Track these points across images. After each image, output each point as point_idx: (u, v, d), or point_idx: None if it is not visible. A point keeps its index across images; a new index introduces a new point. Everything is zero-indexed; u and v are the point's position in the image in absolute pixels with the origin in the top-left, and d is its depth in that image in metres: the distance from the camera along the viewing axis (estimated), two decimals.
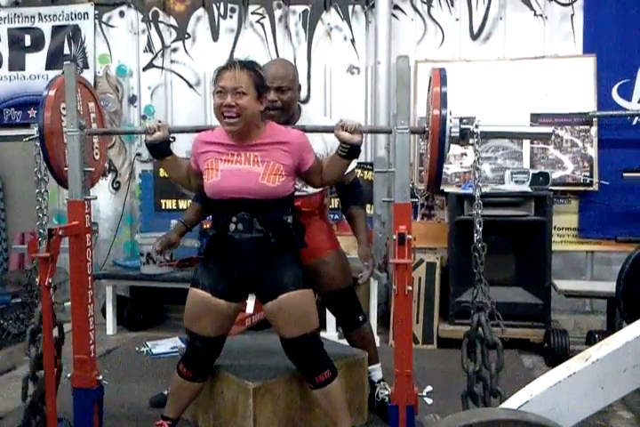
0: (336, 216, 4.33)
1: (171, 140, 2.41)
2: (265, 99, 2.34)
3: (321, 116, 2.95)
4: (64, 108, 2.43)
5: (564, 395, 1.53)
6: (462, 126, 2.15)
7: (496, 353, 2.16)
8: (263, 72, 2.38)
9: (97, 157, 2.75)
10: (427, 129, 2.13)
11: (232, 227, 2.31)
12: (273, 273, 2.34)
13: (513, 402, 1.56)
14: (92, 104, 2.69)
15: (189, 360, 2.46)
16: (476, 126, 2.14)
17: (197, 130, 2.53)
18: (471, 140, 2.20)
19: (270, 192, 2.28)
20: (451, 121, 2.10)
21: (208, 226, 2.45)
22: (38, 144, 2.44)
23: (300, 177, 2.42)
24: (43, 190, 2.56)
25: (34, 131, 2.43)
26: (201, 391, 2.56)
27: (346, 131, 2.23)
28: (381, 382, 2.94)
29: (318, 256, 2.75)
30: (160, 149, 2.39)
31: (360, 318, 2.90)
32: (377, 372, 2.96)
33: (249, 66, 2.29)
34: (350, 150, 2.26)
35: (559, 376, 1.54)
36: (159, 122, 2.37)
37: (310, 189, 2.78)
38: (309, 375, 2.39)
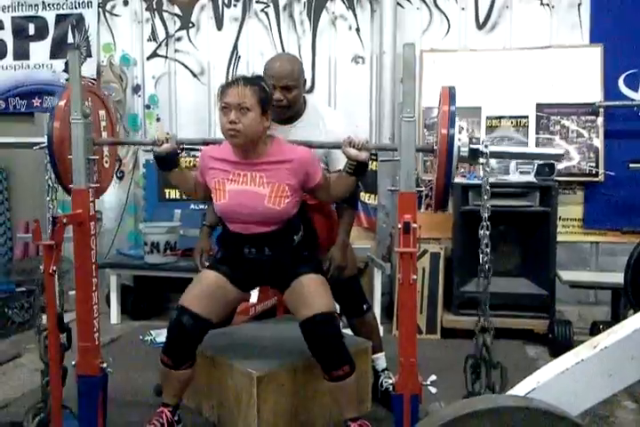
0: None
1: (179, 151, 2.42)
2: (270, 115, 2.35)
3: (325, 107, 2.93)
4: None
5: (571, 382, 1.53)
6: (472, 146, 2.12)
7: (500, 374, 2.17)
8: (269, 89, 2.38)
9: (106, 165, 2.75)
10: (435, 148, 2.11)
11: (245, 251, 2.43)
12: (290, 269, 2.45)
13: (520, 389, 1.56)
14: (102, 112, 2.68)
15: (169, 347, 2.43)
16: (486, 146, 2.11)
17: (205, 142, 2.56)
18: (481, 160, 2.16)
19: (277, 215, 2.36)
20: (459, 140, 2.08)
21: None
22: (47, 152, 2.44)
23: (308, 193, 2.44)
24: (53, 198, 2.58)
25: (44, 139, 2.43)
26: (191, 379, 2.50)
27: (353, 147, 2.24)
28: (385, 372, 2.94)
29: (325, 246, 2.74)
30: (168, 161, 2.42)
31: (364, 306, 2.91)
32: (381, 361, 2.96)
33: (253, 82, 2.31)
34: (357, 167, 2.29)
35: (567, 364, 1.53)
36: (167, 133, 2.40)
37: None
38: (328, 368, 2.34)
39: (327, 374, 2.35)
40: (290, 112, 2.68)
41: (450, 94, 2.15)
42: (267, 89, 2.35)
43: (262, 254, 2.43)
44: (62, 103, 2.43)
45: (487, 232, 2.23)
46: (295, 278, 2.42)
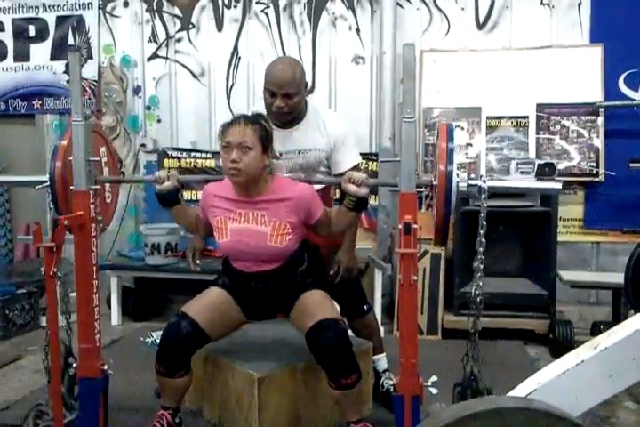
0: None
1: (179, 188, 2.45)
2: (271, 151, 2.38)
3: (326, 109, 2.92)
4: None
5: (572, 383, 1.53)
6: (470, 182, 2.13)
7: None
8: (269, 127, 2.39)
9: (108, 201, 2.77)
10: (434, 183, 2.12)
11: (250, 284, 2.46)
12: (294, 295, 2.49)
13: (521, 390, 1.56)
14: (103, 149, 2.68)
15: (162, 353, 2.41)
16: (484, 181, 2.11)
17: (207, 180, 2.62)
18: (482, 196, 2.17)
19: (279, 253, 2.39)
20: (458, 176, 2.08)
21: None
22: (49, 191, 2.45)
23: (308, 228, 2.46)
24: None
25: (46, 178, 2.44)
26: (188, 386, 2.50)
27: (353, 184, 2.25)
28: (386, 372, 2.94)
29: (327, 245, 2.75)
30: (169, 199, 2.45)
31: (365, 307, 2.91)
32: (382, 362, 2.96)
33: (254, 121, 2.34)
34: (357, 203, 2.30)
35: (567, 364, 1.53)
36: (168, 171, 2.45)
37: (316, 187, 2.79)
38: (336, 375, 2.31)
39: (335, 382, 2.32)
40: (291, 117, 2.68)
41: (448, 131, 2.15)
42: (267, 127, 2.37)
43: (267, 287, 2.46)
44: (65, 143, 2.43)
45: (481, 266, 2.24)
46: (298, 298, 2.46)
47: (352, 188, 2.25)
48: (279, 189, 2.39)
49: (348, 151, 2.78)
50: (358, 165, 2.83)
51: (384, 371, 2.95)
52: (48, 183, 2.43)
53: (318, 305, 2.41)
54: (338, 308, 2.72)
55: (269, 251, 2.37)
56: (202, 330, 2.40)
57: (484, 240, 2.19)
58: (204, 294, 2.53)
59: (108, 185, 2.73)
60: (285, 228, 2.36)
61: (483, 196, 2.11)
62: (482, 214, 2.16)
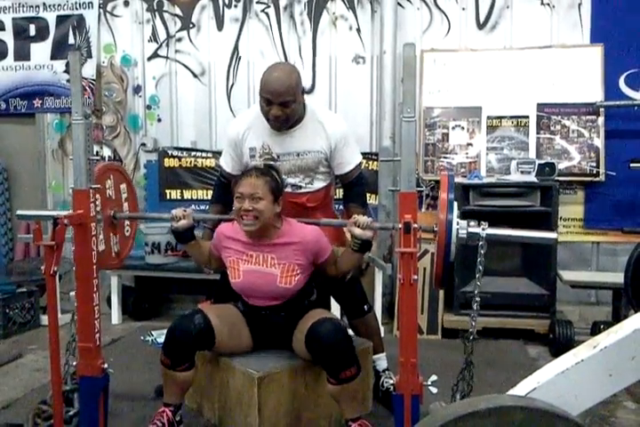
0: (341, 206, 4.32)
1: (195, 225, 2.60)
2: (282, 201, 2.50)
3: (324, 111, 2.91)
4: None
5: (571, 382, 1.53)
6: (470, 230, 2.19)
7: None
8: (279, 179, 2.50)
9: (127, 234, 2.87)
10: (435, 229, 2.19)
11: (262, 312, 2.58)
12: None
13: (520, 389, 1.56)
14: (123, 186, 2.81)
15: (169, 345, 2.46)
16: (483, 229, 2.19)
17: (220, 220, 2.74)
18: (480, 243, 2.23)
19: (289, 292, 2.51)
20: (458, 224, 2.18)
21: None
22: None
23: (316, 267, 2.57)
24: None
25: None
26: (191, 382, 2.54)
27: (358, 227, 2.38)
28: (386, 372, 2.94)
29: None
30: (185, 236, 2.63)
31: (365, 307, 2.91)
32: (382, 361, 2.97)
33: (266, 173, 2.47)
34: (362, 245, 2.43)
35: (567, 364, 1.54)
36: (184, 211, 2.58)
37: (316, 185, 2.81)
38: (335, 368, 2.35)
39: (334, 376, 2.35)
40: (289, 123, 2.69)
41: (448, 183, 2.27)
42: (278, 179, 2.50)
43: (278, 316, 2.56)
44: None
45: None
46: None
47: (357, 231, 2.38)
48: (288, 233, 2.51)
49: (350, 151, 2.81)
50: (360, 163, 2.86)
51: (384, 370, 2.95)
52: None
53: (317, 313, 2.52)
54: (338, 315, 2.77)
55: (279, 291, 2.50)
56: (212, 329, 2.46)
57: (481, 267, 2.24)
58: (222, 306, 2.65)
59: (127, 221, 2.84)
60: (294, 269, 2.49)
61: (481, 243, 2.20)
62: (479, 259, 2.22)
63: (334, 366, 2.35)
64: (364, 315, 2.91)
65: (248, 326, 2.61)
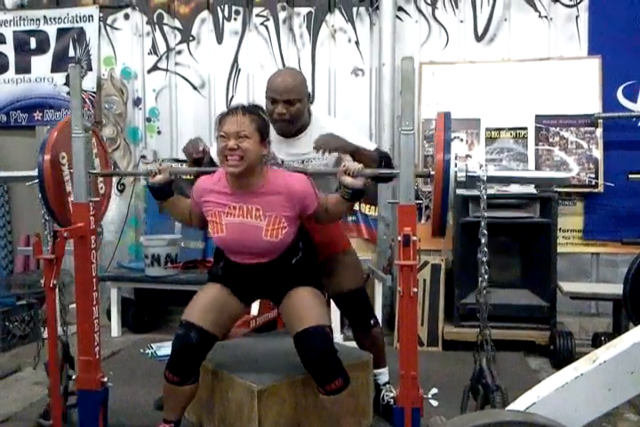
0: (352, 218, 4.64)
1: (172, 180, 2.45)
2: (268, 143, 2.37)
3: (327, 119, 2.91)
4: (63, 157, 2.50)
5: (571, 397, 1.52)
6: (468, 173, 2.12)
7: (500, 397, 2.14)
8: (266, 118, 2.39)
9: (102, 191, 2.79)
10: (432, 173, 2.13)
11: (245, 274, 2.48)
12: (287, 284, 2.48)
13: (520, 404, 1.55)
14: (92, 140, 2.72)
15: (175, 364, 2.39)
16: (484, 171, 2.12)
17: (198, 173, 2.55)
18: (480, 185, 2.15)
19: (275, 247, 2.38)
20: (456, 165, 2.08)
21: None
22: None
23: (306, 219, 2.46)
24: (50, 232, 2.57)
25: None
26: (195, 394, 2.49)
27: (348, 175, 2.25)
28: (387, 385, 2.92)
29: (331, 253, 2.76)
30: (162, 191, 2.46)
31: (372, 321, 2.87)
32: (383, 375, 2.93)
33: (251, 110, 2.32)
34: (353, 194, 2.29)
35: (566, 378, 1.53)
36: (159, 165, 2.44)
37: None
38: (321, 382, 2.31)
39: (321, 387, 2.33)
40: (294, 127, 2.68)
41: (445, 119, 2.16)
42: (265, 117, 2.37)
43: (262, 277, 2.47)
44: (53, 136, 2.47)
45: (485, 262, 2.23)
46: (291, 289, 2.46)
47: (348, 180, 2.25)
48: (273, 182, 2.36)
49: (362, 140, 2.70)
50: (377, 149, 2.72)
51: (385, 384, 2.93)
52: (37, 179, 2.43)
53: (307, 306, 2.40)
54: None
55: (265, 245, 2.37)
56: (209, 334, 2.41)
57: (485, 232, 2.19)
58: (201, 296, 2.52)
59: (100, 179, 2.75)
60: (281, 222, 2.35)
61: (482, 186, 2.09)
62: (482, 206, 2.14)
63: (319, 378, 2.32)
64: (370, 329, 2.86)
65: (233, 292, 2.51)
